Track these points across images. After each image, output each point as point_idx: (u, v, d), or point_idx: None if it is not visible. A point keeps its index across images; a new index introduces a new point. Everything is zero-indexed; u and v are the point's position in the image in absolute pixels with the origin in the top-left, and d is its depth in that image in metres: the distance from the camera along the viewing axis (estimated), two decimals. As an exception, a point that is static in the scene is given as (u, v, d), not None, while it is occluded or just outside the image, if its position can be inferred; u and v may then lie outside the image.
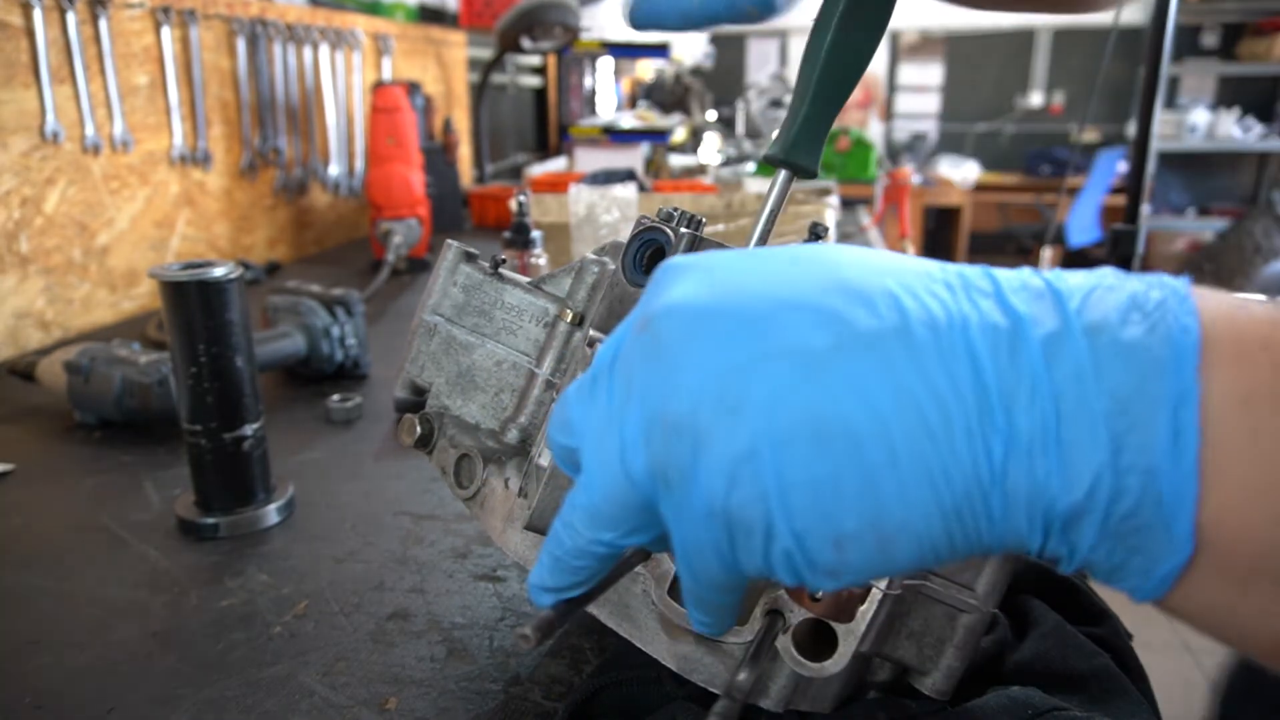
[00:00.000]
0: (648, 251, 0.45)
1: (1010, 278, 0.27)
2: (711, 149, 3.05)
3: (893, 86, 6.66)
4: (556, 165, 2.26)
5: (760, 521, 0.26)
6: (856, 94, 6.58)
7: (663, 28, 0.56)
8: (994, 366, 0.25)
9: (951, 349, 0.25)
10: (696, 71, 4.99)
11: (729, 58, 6.47)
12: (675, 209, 0.44)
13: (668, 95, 3.86)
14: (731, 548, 0.27)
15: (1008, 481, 0.25)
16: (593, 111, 3.56)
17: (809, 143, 0.48)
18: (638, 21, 0.56)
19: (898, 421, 0.25)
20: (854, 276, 0.27)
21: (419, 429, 0.51)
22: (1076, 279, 0.27)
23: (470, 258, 0.53)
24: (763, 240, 0.47)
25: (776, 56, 6.78)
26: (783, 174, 0.48)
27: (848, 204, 2.12)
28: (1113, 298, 0.25)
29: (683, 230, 0.43)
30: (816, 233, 0.47)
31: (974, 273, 0.27)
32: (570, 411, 0.32)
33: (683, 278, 0.29)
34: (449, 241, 0.54)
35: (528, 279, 0.52)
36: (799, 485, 0.25)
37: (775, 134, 0.49)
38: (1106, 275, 0.27)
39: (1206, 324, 0.24)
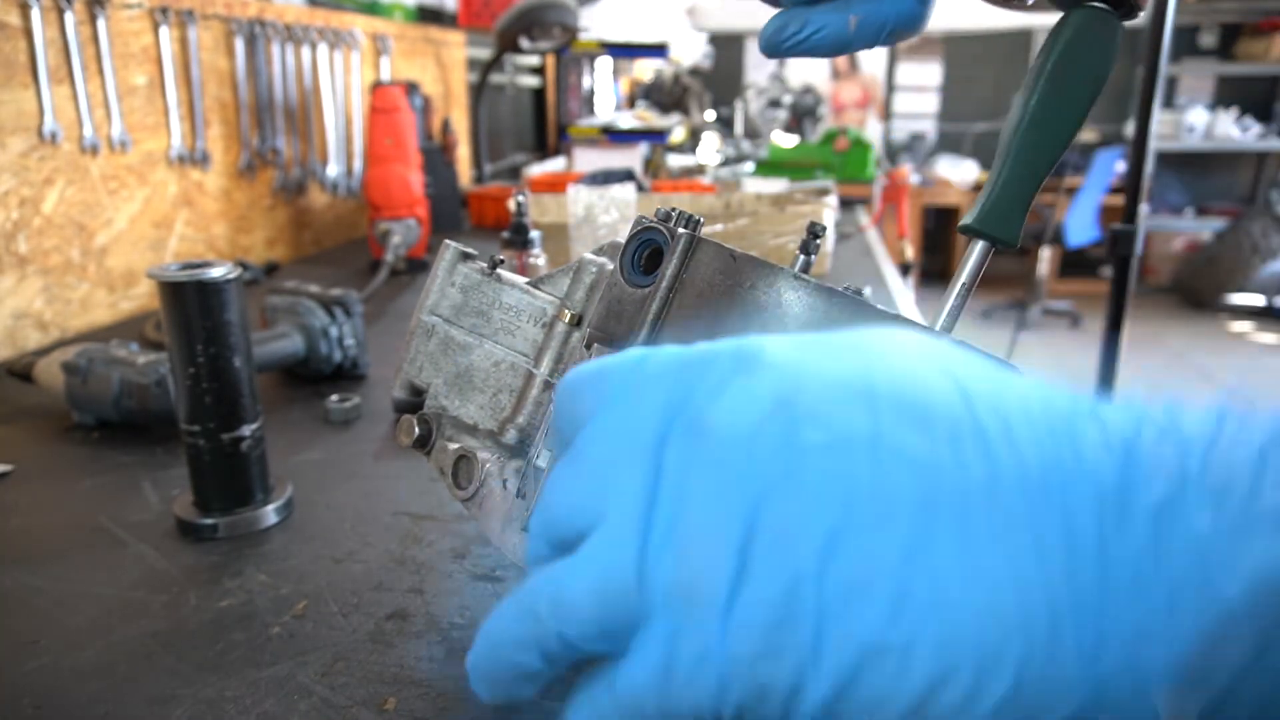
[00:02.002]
0: (646, 251, 0.44)
1: (1123, 421, 0.24)
2: (710, 149, 3.05)
3: (891, 86, 6.67)
4: (555, 165, 2.26)
5: (789, 675, 0.23)
6: (855, 94, 6.61)
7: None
8: (1096, 536, 0.22)
9: (1047, 514, 0.22)
10: (695, 72, 4.99)
11: (728, 58, 6.47)
12: (673, 209, 0.44)
13: (666, 95, 3.86)
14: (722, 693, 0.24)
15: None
16: (591, 112, 3.56)
17: (1008, 210, 0.44)
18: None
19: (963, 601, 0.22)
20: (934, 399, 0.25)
21: (417, 429, 0.51)
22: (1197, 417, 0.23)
23: (468, 258, 0.53)
24: (954, 316, 0.45)
25: (775, 56, 6.76)
26: (979, 245, 0.45)
27: (846, 204, 2.12)
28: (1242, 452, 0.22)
29: (680, 230, 0.43)
30: (814, 232, 0.47)
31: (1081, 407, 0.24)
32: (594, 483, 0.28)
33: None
34: (447, 241, 0.54)
35: (526, 279, 0.52)
36: (843, 639, 0.23)
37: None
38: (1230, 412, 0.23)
39: None
